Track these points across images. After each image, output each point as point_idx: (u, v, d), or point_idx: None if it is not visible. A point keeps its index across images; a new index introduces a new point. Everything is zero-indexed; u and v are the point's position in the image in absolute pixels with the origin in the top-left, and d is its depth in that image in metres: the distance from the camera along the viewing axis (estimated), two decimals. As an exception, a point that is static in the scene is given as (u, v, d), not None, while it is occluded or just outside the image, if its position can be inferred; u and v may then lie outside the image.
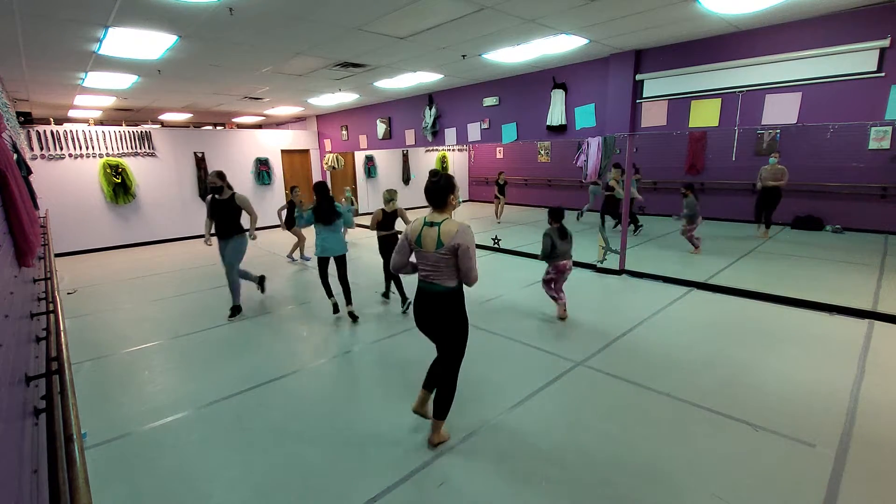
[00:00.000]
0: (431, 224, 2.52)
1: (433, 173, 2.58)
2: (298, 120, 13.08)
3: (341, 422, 3.09)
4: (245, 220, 5.16)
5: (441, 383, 2.73)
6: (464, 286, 2.63)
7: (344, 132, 11.34)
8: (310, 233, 6.16)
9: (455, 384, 2.73)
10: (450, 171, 15.68)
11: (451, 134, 8.37)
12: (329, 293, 5.13)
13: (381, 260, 5.59)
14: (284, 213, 7.69)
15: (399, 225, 5.15)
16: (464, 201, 16.05)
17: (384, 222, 5.30)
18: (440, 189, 2.52)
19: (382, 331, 4.69)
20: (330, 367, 3.95)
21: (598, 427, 2.94)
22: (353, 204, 6.51)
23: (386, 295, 5.77)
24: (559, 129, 6.60)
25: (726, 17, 4.39)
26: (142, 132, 9.69)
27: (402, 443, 2.84)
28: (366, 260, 7.78)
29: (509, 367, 3.79)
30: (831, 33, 4.31)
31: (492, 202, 15.37)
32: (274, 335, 4.69)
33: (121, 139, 9.43)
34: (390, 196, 5.30)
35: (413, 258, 2.74)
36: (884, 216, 8.32)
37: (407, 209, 7.24)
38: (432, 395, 2.93)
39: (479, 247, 8.53)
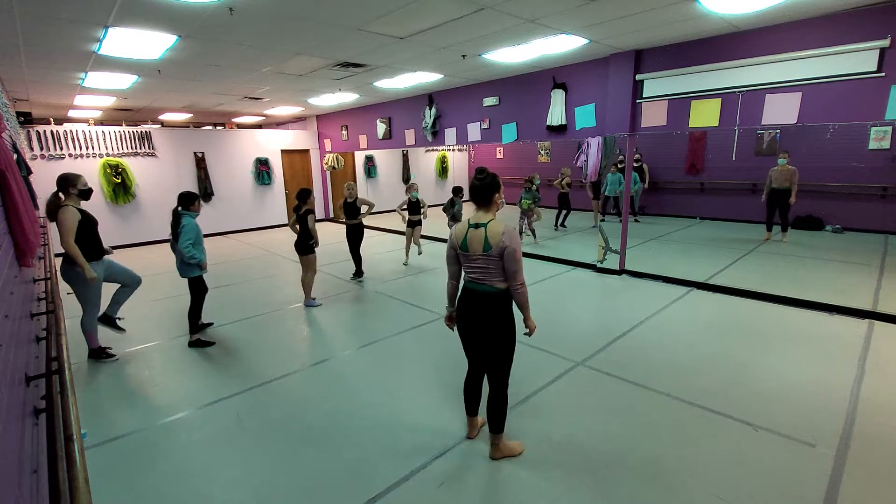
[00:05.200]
0: (477, 225, 2.42)
1: (480, 171, 2.51)
2: (298, 120, 13.08)
3: (341, 422, 3.09)
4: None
5: (492, 397, 2.59)
6: None
7: (344, 132, 11.34)
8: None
9: (506, 394, 2.59)
10: (449, 172, 15.67)
11: (451, 134, 8.37)
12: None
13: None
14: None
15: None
16: (465, 201, 16.05)
17: (347, 212, 6.43)
18: (487, 187, 2.44)
19: (381, 331, 4.69)
20: (330, 367, 3.95)
21: (598, 427, 2.94)
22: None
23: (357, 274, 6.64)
24: (559, 129, 6.60)
25: (726, 17, 4.39)
26: (142, 132, 9.69)
27: (403, 442, 2.84)
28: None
29: (509, 367, 3.79)
30: (831, 33, 4.31)
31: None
32: (274, 335, 4.68)
33: (121, 139, 9.43)
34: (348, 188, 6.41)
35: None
36: (884, 216, 8.32)
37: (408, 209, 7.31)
38: (479, 416, 2.89)
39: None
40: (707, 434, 2.83)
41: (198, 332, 4.49)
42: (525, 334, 2.54)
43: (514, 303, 2.49)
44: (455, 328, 2.69)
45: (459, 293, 2.61)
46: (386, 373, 3.80)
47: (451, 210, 7.23)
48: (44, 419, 1.80)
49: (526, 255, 7.78)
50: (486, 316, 2.46)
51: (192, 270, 4.29)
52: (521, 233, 8.66)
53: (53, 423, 1.47)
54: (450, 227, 7.44)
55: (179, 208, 4.24)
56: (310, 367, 3.95)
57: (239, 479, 2.56)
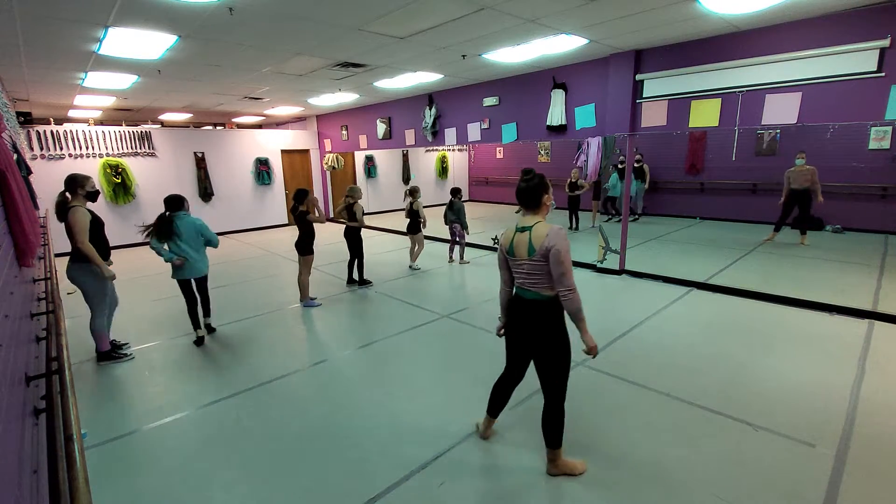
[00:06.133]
0: (523, 229, 2.29)
1: (526, 172, 2.34)
2: (298, 120, 13.08)
3: (341, 422, 3.09)
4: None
5: (547, 411, 2.43)
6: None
7: (344, 132, 11.34)
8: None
9: (563, 409, 2.42)
10: (449, 171, 15.67)
11: (451, 134, 8.37)
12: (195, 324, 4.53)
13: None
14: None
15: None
16: (464, 201, 16.05)
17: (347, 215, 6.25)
18: (534, 189, 2.29)
19: (381, 331, 4.69)
20: (330, 367, 3.95)
21: (598, 427, 2.94)
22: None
23: (350, 282, 6.43)
24: (559, 129, 6.60)
25: (726, 17, 4.39)
26: (142, 132, 9.69)
27: (403, 442, 2.84)
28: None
29: (509, 367, 3.79)
30: (831, 33, 4.31)
31: (493, 202, 15.42)
32: (274, 335, 4.68)
33: (121, 139, 9.44)
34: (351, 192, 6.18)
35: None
36: (884, 216, 8.32)
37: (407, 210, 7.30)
38: (497, 420, 2.82)
39: (479, 247, 8.52)
40: (707, 434, 2.82)
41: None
42: (584, 352, 2.28)
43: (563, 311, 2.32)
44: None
45: (510, 300, 2.49)
46: (386, 373, 3.80)
47: (451, 214, 7.18)
48: (44, 419, 1.80)
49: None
50: (534, 325, 2.32)
51: (203, 269, 4.47)
52: None
53: (53, 423, 1.47)
54: (451, 229, 7.36)
55: (171, 212, 4.29)
56: (309, 367, 3.95)
57: (239, 479, 2.56)
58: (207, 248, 4.48)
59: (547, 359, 2.35)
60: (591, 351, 2.26)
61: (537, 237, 2.22)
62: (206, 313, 4.71)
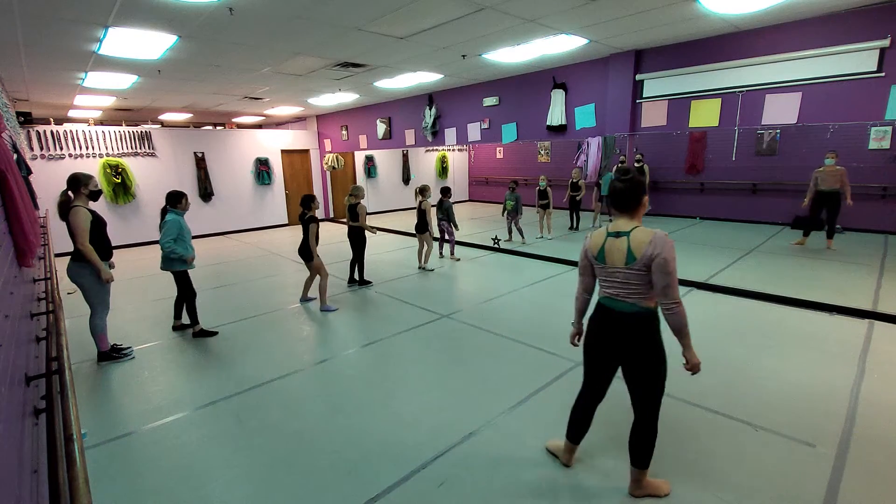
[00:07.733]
0: (617, 234, 2.05)
1: (624, 171, 2.08)
2: (298, 120, 13.08)
3: (341, 421, 3.09)
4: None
5: (639, 428, 2.21)
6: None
7: (344, 132, 11.34)
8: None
9: (656, 427, 2.20)
10: (449, 171, 15.67)
11: (451, 134, 8.38)
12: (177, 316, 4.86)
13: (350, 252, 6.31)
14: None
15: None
16: (464, 201, 16.06)
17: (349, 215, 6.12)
18: (632, 190, 2.05)
19: (382, 331, 4.69)
20: (330, 367, 3.95)
21: (598, 428, 2.92)
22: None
23: (351, 282, 6.40)
24: (559, 129, 6.60)
25: (726, 17, 4.40)
26: (142, 132, 9.69)
27: (403, 442, 2.84)
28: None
29: (509, 366, 3.79)
30: (831, 33, 4.31)
31: (493, 202, 15.41)
32: (274, 335, 4.69)
33: (121, 139, 9.44)
34: (353, 192, 6.03)
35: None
36: (884, 216, 8.32)
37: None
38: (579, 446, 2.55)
39: (478, 247, 8.52)
40: (707, 434, 2.83)
41: (198, 323, 4.71)
42: (686, 369, 2.10)
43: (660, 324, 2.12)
44: (581, 345, 2.37)
45: (592, 310, 2.27)
46: (386, 372, 3.80)
47: (440, 212, 7.27)
48: (44, 419, 1.80)
49: (525, 255, 7.78)
50: (630, 339, 2.09)
51: (175, 265, 4.48)
52: (509, 232, 8.62)
53: (53, 423, 1.47)
54: (440, 227, 7.42)
55: (167, 206, 4.48)
56: (310, 367, 3.95)
57: (239, 479, 2.56)
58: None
59: (646, 374, 2.12)
60: (694, 368, 2.09)
61: (637, 244, 1.98)
62: (178, 313, 4.88)
